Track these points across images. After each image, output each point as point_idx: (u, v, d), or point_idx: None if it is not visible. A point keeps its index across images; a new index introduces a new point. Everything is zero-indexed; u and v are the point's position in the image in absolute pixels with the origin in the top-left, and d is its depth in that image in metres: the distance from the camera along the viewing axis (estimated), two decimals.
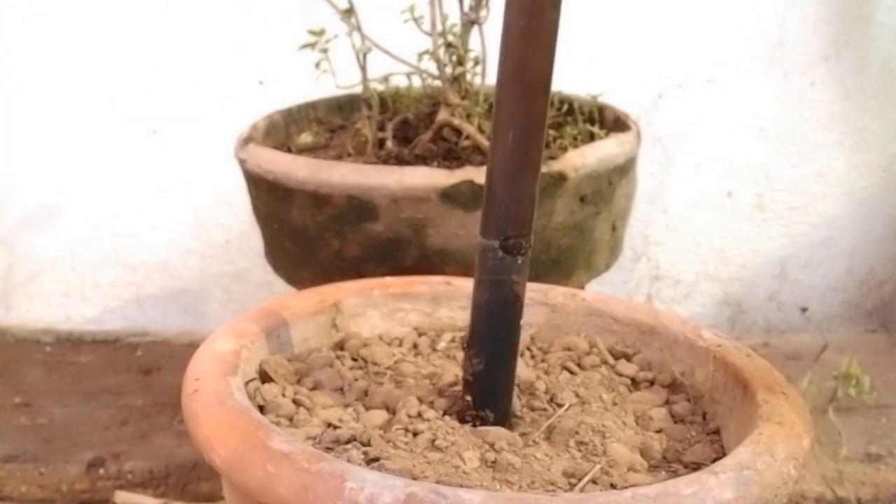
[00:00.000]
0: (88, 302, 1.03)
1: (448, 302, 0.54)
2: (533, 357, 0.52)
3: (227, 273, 1.02)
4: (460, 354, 0.51)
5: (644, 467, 0.43)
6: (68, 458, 0.77)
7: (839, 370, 0.71)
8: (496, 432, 0.43)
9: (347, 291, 0.53)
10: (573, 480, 0.41)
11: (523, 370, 0.49)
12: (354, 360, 0.51)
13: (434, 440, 0.42)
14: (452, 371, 0.48)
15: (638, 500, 0.34)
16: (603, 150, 0.63)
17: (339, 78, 0.67)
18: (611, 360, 0.51)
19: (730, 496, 0.35)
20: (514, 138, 0.39)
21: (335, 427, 0.43)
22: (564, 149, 0.64)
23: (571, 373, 0.50)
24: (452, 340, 0.53)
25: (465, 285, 0.54)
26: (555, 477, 0.41)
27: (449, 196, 0.59)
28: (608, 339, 0.52)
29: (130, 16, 0.95)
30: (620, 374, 0.50)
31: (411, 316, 0.54)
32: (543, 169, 0.60)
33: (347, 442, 0.41)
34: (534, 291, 0.54)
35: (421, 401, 0.46)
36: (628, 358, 0.51)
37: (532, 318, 0.53)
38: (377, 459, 0.39)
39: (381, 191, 0.59)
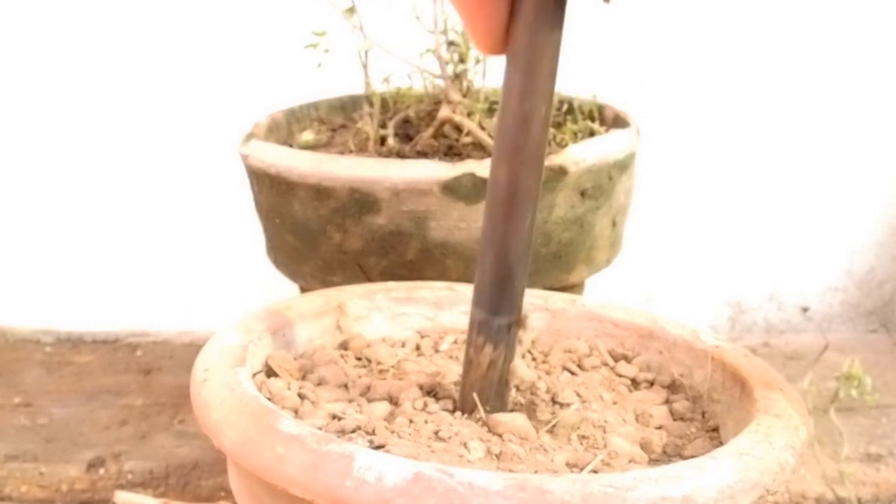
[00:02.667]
0: (88, 302, 1.03)
1: (450, 307, 0.55)
2: (534, 360, 0.53)
3: (227, 273, 1.02)
4: (462, 355, 0.51)
5: (645, 460, 0.43)
6: (68, 458, 0.77)
7: (841, 371, 0.71)
8: (511, 422, 0.43)
9: (352, 294, 0.54)
10: (575, 470, 0.41)
11: (524, 371, 0.50)
12: (358, 359, 0.51)
13: (438, 431, 0.42)
14: (455, 371, 0.49)
15: (640, 482, 0.34)
16: (603, 145, 0.64)
17: (341, 78, 0.67)
18: (611, 362, 0.52)
19: (730, 480, 0.36)
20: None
21: (339, 418, 0.44)
22: (565, 144, 0.64)
23: (572, 373, 0.51)
24: (455, 342, 0.53)
25: (467, 291, 0.55)
26: (558, 467, 0.41)
27: (450, 188, 0.59)
28: (608, 342, 0.53)
29: (130, 16, 0.96)
30: (620, 375, 0.51)
31: (414, 320, 0.54)
32: (545, 162, 0.61)
33: (352, 431, 0.42)
34: (534, 297, 0.55)
35: (425, 393, 0.47)
36: (628, 360, 0.52)
37: (533, 323, 0.54)
38: (383, 446, 0.40)
39: (383, 183, 0.59)
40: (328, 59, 0.66)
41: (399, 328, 0.54)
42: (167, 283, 1.03)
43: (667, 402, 0.49)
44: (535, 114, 0.38)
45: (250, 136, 0.68)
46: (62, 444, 0.79)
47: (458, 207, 0.60)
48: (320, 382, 0.48)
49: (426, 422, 0.43)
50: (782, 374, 0.47)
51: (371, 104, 0.70)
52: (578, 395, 0.48)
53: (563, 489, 0.33)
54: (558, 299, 0.55)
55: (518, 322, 0.43)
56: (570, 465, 0.41)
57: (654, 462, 0.43)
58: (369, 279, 0.62)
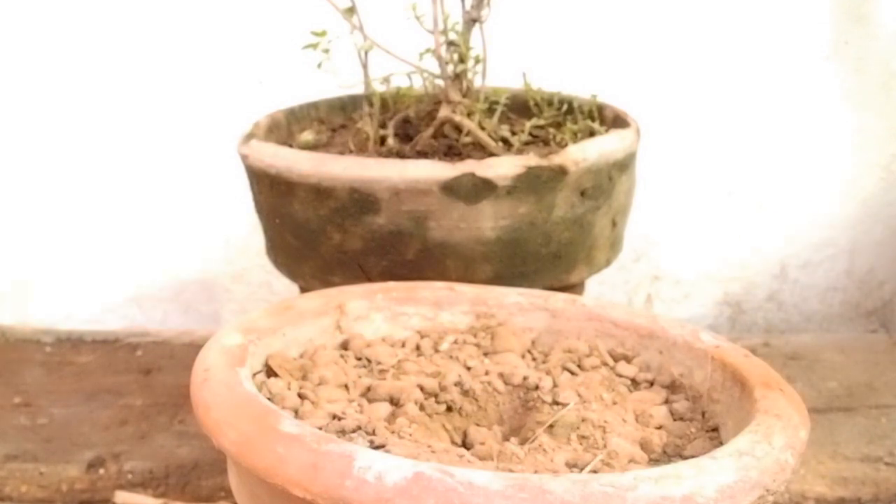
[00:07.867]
0: (88, 302, 1.03)
1: (450, 307, 0.55)
2: (534, 359, 0.53)
3: (227, 273, 1.02)
4: (463, 355, 0.52)
5: (644, 460, 0.43)
6: (68, 458, 0.77)
7: (840, 371, 0.71)
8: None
9: (352, 294, 0.54)
10: (575, 470, 0.41)
11: (525, 370, 0.50)
12: (358, 359, 0.51)
13: (437, 432, 0.43)
14: (455, 371, 0.49)
15: (640, 481, 0.34)
16: (603, 145, 0.64)
17: (340, 78, 0.68)
18: (611, 362, 0.52)
19: (730, 480, 0.36)
20: None
21: (340, 418, 0.44)
22: (565, 144, 0.64)
23: (572, 373, 0.51)
24: (455, 342, 0.53)
25: (467, 291, 0.55)
26: (557, 466, 0.41)
27: (450, 188, 0.59)
28: (608, 342, 0.53)
29: (130, 16, 0.96)
30: (620, 375, 0.51)
31: (414, 320, 0.54)
32: (544, 162, 0.61)
33: (352, 431, 0.42)
34: (534, 297, 0.55)
35: (426, 395, 0.47)
36: (628, 360, 0.52)
37: (532, 323, 0.54)
38: (383, 446, 0.40)
39: (383, 183, 0.59)
40: (328, 59, 0.66)
41: (399, 328, 0.54)
42: (167, 282, 1.03)
43: (667, 402, 0.49)
44: None
45: (250, 136, 0.68)
46: (62, 444, 0.79)
47: (458, 207, 0.60)
48: (320, 382, 0.48)
49: (426, 423, 0.43)
50: (782, 374, 0.47)
51: (371, 104, 0.70)
52: (578, 394, 0.48)
53: (563, 489, 0.33)
54: (558, 299, 0.55)
55: None
56: (570, 465, 0.41)
57: (654, 462, 0.43)
58: (369, 279, 0.62)
